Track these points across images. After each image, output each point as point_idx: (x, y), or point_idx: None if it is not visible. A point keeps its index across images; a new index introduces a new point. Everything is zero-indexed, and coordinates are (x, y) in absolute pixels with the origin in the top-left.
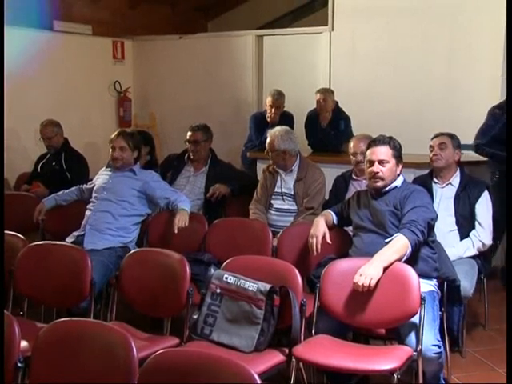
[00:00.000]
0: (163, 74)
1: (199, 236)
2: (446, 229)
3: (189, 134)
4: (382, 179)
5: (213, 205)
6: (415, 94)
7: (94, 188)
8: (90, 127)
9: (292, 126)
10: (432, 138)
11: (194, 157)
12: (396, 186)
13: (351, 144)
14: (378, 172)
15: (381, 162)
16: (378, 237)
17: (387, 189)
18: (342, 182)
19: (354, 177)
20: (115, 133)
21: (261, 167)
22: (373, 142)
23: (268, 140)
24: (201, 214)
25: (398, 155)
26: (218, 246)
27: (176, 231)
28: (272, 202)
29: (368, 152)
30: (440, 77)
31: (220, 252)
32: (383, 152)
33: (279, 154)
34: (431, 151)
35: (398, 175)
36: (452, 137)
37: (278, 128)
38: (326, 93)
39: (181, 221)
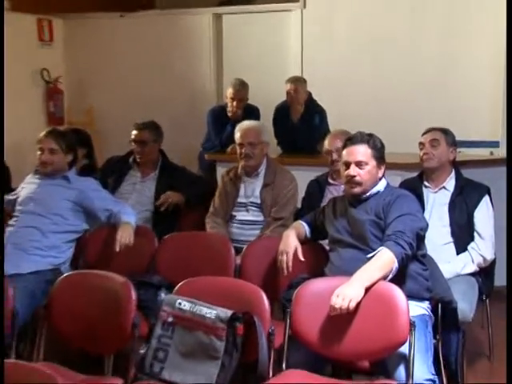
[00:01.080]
0: (102, 61)
1: (147, 254)
2: (439, 241)
3: (134, 132)
4: (360, 184)
5: (164, 217)
6: (402, 83)
7: (19, 199)
8: (11, 125)
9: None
10: (422, 134)
11: (141, 159)
12: (378, 192)
13: (326, 141)
14: (355, 176)
15: (358, 164)
16: (359, 252)
17: (367, 195)
18: (317, 188)
19: (331, 181)
20: (44, 132)
21: (221, 171)
22: (349, 141)
23: (239, 133)
24: (149, 228)
25: (379, 155)
26: (170, 266)
27: (118, 249)
28: (234, 213)
29: (344, 152)
30: (432, 63)
31: (172, 273)
32: (361, 152)
33: (256, 146)
34: (421, 149)
35: (381, 178)
36: (446, 132)
37: (249, 121)
38: (298, 82)
39: (124, 237)
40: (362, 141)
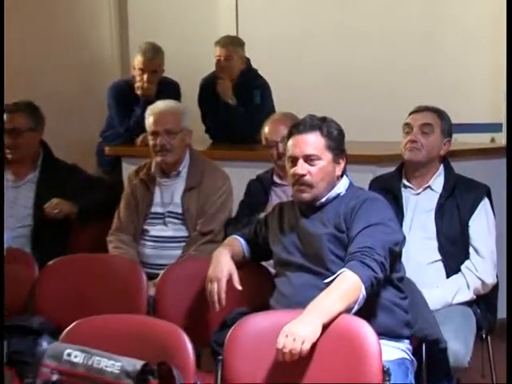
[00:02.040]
0: None
1: (23, 287)
2: (422, 259)
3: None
4: (311, 186)
5: (48, 234)
6: (374, 49)
7: None
8: None
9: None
10: (411, 113)
11: (14, 156)
12: (338, 195)
13: (266, 129)
14: (303, 174)
15: (308, 159)
16: (314, 276)
17: (323, 200)
18: (259, 190)
19: (277, 180)
20: None
21: (128, 170)
22: (295, 128)
23: (153, 117)
24: (26, 252)
25: (336, 146)
26: (56, 303)
27: None
28: (146, 227)
29: (289, 144)
30: (415, 24)
31: (59, 312)
32: (311, 143)
33: (175, 135)
34: (406, 133)
35: (340, 177)
36: (442, 116)
37: (165, 101)
38: (231, 46)
39: None
40: (311, 127)
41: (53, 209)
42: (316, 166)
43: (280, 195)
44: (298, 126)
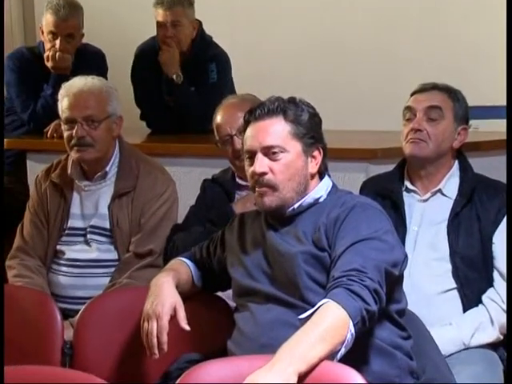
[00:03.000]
0: None
1: None
2: (431, 287)
3: None
4: (274, 187)
5: None
6: (369, 15)
7: None
8: None
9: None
10: (413, 93)
11: None
12: (316, 201)
13: (217, 118)
14: (263, 173)
15: (269, 153)
16: (285, 310)
17: (296, 207)
18: (219, 194)
19: (240, 181)
20: None
21: (35, 171)
22: (250, 115)
23: (68, 99)
24: None
25: (306, 133)
26: None
27: None
28: (61, 247)
29: (245, 135)
30: None
31: None
32: (272, 131)
33: (99, 124)
34: (407, 121)
35: (320, 177)
36: (455, 96)
37: (84, 77)
38: (179, 6)
39: None
40: (272, 112)
41: None
42: (279, 160)
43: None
44: (254, 112)
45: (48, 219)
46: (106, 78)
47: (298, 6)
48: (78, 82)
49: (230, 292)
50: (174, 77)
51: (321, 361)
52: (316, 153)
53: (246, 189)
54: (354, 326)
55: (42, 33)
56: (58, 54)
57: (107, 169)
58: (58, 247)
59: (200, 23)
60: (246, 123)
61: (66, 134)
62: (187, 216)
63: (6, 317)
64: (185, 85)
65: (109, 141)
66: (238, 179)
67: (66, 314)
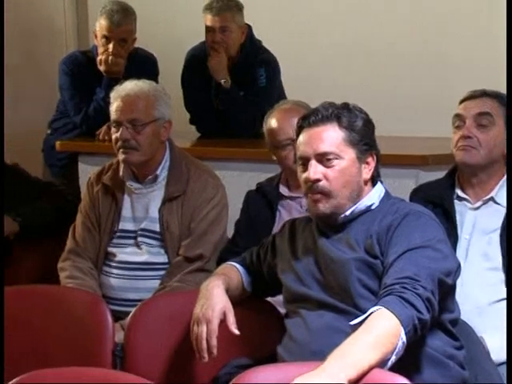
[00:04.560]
0: None
1: None
2: (484, 297)
3: None
4: (328, 194)
5: None
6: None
7: None
8: None
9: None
10: (462, 101)
11: None
12: (369, 208)
13: (272, 122)
14: (317, 179)
15: (323, 160)
16: (337, 316)
17: (348, 214)
18: (261, 204)
19: (284, 191)
20: None
21: (87, 173)
22: (304, 121)
23: (116, 103)
24: None
25: (360, 140)
26: None
27: None
28: (112, 250)
29: (298, 141)
30: None
31: None
32: (326, 137)
33: (144, 127)
34: (457, 128)
35: (372, 183)
36: (505, 102)
37: (135, 81)
38: (227, 12)
39: None
40: (326, 118)
41: None
42: (334, 167)
43: (291, 211)
44: (308, 118)
45: (99, 221)
46: (157, 82)
47: (345, 9)
48: (128, 86)
49: (279, 298)
50: (222, 82)
51: (371, 368)
52: (370, 159)
53: (290, 199)
54: (406, 334)
55: (96, 37)
56: (110, 57)
57: (158, 172)
58: (109, 249)
59: (249, 28)
60: (300, 129)
61: (113, 137)
62: (234, 234)
63: (58, 318)
64: (233, 89)
65: (155, 144)
66: (282, 188)
67: (117, 316)
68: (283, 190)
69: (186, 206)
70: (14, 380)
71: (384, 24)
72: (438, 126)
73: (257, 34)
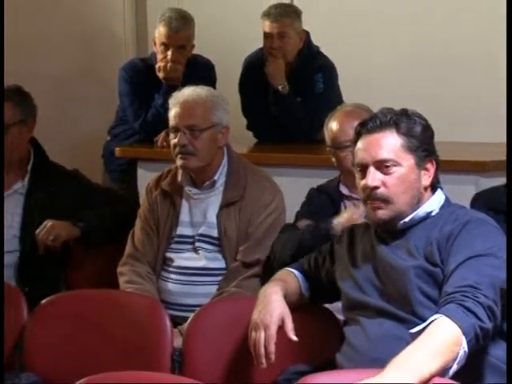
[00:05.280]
0: None
1: (9, 334)
2: None
3: None
4: (387, 201)
5: (40, 264)
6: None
7: None
8: None
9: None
10: None
11: None
12: (428, 215)
13: (333, 124)
14: (376, 187)
15: (382, 166)
16: (396, 324)
17: (408, 221)
18: (326, 202)
19: (345, 190)
20: None
21: (146, 179)
22: (363, 127)
23: (175, 109)
24: (13, 286)
25: (419, 146)
26: (51, 355)
27: None
28: (170, 255)
29: (357, 148)
30: None
31: (54, 368)
32: (385, 144)
33: (201, 133)
34: None
35: (432, 190)
36: None
37: (193, 87)
38: (285, 18)
39: None
40: (384, 124)
41: (47, 235)
42: (393, 174)
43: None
44: (366, 124)
45: (158, 227)
46: (215, 89)
47: (401, 15)
48: (186, 92)
49: (337, 304)
50: (280, 87)
51: (432, 377)
52: (429, 165)
53: (350, 199)
54: (468, 342)
55: (155, 44)
56: (169, 64)
57: (215, 178)
58: (168, 254)
59: (307, 34)
60: (358, 136)
61: (171, 143)
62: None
63: (118, 322)
64: (291, 95)
65: (213, 150)
66: (342, 188)
67: (174, 321)
68: (343, 189)
69: (244, 212)
70: (78, 382)
71: (443, 29)
72: (499, 132)
73: (315, 40)
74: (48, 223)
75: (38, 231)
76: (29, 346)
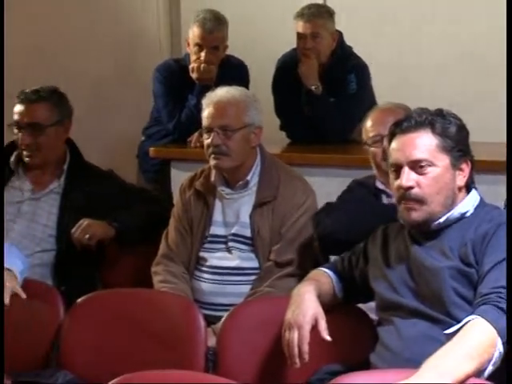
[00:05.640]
0: None
1: (45, 333)
2: None
3: (18, 109)
4: (422, 201)
5: (76, 262)
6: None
7: None
8: None
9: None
10: None
11: (33, 160)
12: (463, 215)
13: (368, 121)
14: (410, 187)
15: (416, 167)
16: (430, 325)
17: (442, 222)
18: (366, 194)
19: (381, 186)
20: None
21: (179, 179)
22: (397, 127)
23: (208, 109)
24: (49, 285)
25: (454, 147)
26: (87, 353)
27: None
28: (203, 254)
29: (391, 148)
30: None
31: (90, 366)
32: (419, 144)
33: (234, 133)
34: None
35: (466, 190)
36: None
37: (226, 88)
38: (318, 19)
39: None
40: (419, 124)
41: (83, 234)
42: (427, 174)
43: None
44: (401, 124)
45: (191, 226)
46: (248, 89)
47: (439, 15)
48: (219, 93)
49: (371, 304)
50: (313, 88)
51: (467, 378)
52: (464, 166)
53: (386, 194)
54: (503, 344)
55: (188, 45)
56: (202, 65)
57: (248, 178)
58: (201, 254)
59: (340, 34)
60: (392, 135)
61: (205, 143)
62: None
63: (152, 321)
64: (324, 96)
65: (246, 150)
66: (378, 184)
67: (208, 321)
68: (379, 184)
69: (277, 212)
70: (115, 380)
71: (479, 29)
72: None
73: (348, 40)
74: (84, 222)
75: (73, 230)
76: (65, 344)
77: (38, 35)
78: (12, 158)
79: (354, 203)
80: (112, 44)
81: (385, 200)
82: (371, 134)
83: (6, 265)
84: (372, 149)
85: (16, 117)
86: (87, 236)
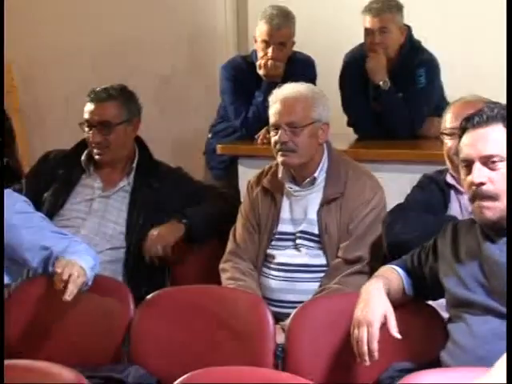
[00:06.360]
0: None
1: (116, 329)
2: None
3: (89, 107)
4: (494, 198)
5: (145, 259)
6: None
7: None
8: None
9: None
10: None
11: (103, 158)
12: None
13: (448, 113)
14: (482, 183)
15: (489, 162)
16: (503, 322)
17: None
18: (435, 191)
19: (451, 181)
20: None
21: (246, 176)
22: (468, 122)
23: (275, 106)
24: (120, 281)
25: None
26: (158, 349)
27: (69, 297)
28: (271, 251)
29: (462, 143)
30: None
31: (162, 361)
32: (491, 139)
33: (301, 130)
34: None
35: None
36: None
37: (293, 84)
38: (387, 13)
39: (72, 273)
40: (491, 119)
41: (155, 248)
42: (500, 170)
43: (463, 202)
44: (472, 118)
45: (259, 223)
46: (315, 85)
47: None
48: (286, 89)
49: (441, 301)
50: (381, 83)
51: None
52: None
53: (456, 190)
54: None
55: (255, 41)
56: (270, 61)
57: (316, 174)
58: (269, 251)
59: (409, 28)
60: (463, 130)
61: (272, 140)
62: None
63: (221, 318)
64: (392, 91)
65: (313, 147)
66: (448, 178)
67: (276, 317)
68: (450, 179)
69: (345, 208)
70: (186, 375)
71: None
72: None
73: (417, 34)
74: (153, 233)
75: (146, 244)
76: (135, 340)
77: (107, 34)
78: (83, 157)
79: (423, 205)
80: (180, 42)
81: (453, 196)
82: (449, 126)
83: (78, 261)
84: (447, 140)
85: (86, 115)
86: (160, 248)
